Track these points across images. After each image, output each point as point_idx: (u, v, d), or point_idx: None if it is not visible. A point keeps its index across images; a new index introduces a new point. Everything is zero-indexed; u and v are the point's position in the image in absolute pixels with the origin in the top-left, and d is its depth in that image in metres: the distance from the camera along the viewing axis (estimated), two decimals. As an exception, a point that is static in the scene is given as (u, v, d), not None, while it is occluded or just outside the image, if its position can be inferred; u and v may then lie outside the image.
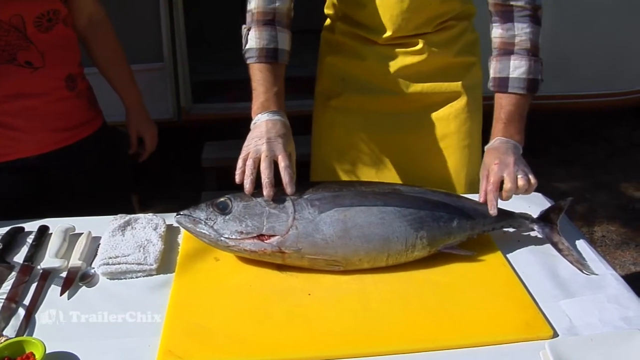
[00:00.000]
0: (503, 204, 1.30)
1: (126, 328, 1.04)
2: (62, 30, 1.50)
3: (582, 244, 1.30)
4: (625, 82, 3.81)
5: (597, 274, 1.18)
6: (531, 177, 1.27)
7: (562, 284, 1.16)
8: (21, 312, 1.08)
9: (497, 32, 1.36)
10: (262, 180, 1.18)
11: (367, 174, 1.61)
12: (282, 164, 1.20)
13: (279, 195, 1.18)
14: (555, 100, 3.69)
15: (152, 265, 1.18)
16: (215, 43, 4.17)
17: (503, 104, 1.35)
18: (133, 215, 1.32)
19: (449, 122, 1.57)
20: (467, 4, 1.53)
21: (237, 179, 1.21)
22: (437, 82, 1.53)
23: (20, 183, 1.56)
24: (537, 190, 1.49)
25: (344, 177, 1.62)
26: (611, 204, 3.44)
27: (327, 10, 1.63)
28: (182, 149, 3.44)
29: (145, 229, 1.27)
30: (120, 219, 1.30)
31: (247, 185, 1.19)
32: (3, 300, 1.09)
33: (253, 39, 1.33)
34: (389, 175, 1.60)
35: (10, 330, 1.03)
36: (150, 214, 1.34)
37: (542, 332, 1.02)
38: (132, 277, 1.18)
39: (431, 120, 1.56)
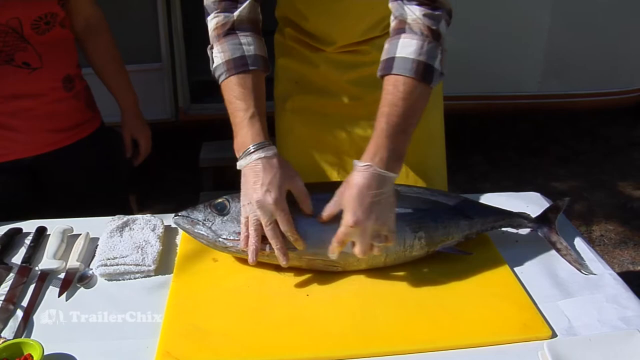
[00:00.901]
0: (502, 204, 1.30)
1: (124, 329, 1.04)
2: (59, 32, 1.50)
3: (580, 244, 1.30)
4: (623, 81, 3.81)
5: (595, 274, 1.19)
6: (388, 235, 1.10)
7: (560, 284, 1.16)
8: (19, 313, 1.07)
9: (392, 15, 1.19)
10: (274, 248, 1.12)
11: (331, 176, 1.57)
12: (283, 229, 1.11)
13: None
14: (553, 100, 3.69)
15: (150, 266, 1.18)
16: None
17: (387, 95, 1.12)
18: (131, 216, 1.32)
19: None
20: None
21: (242, 244, 1.14)
22: None
23: (18, 184, 1.56)
24: (535, 189, 1.50)
25: (310, 180, 1.57)
26: (609, 203, 3.44)
27: (277, 14, 1.55)
28: (180, 149, 3.44)
29: (144, 230, 1.27)
30: (118, 219, 1.30)
31: (250, 256, 1.12)
32: (1, 302, 1.09)
33: (217, 54, 1.21)
34: None
35: (8, 332, 1.03)
36: (148, 215, 1.34)
37: (541, 332, 1.02)
38: (130, 278, 1.17)
39: None
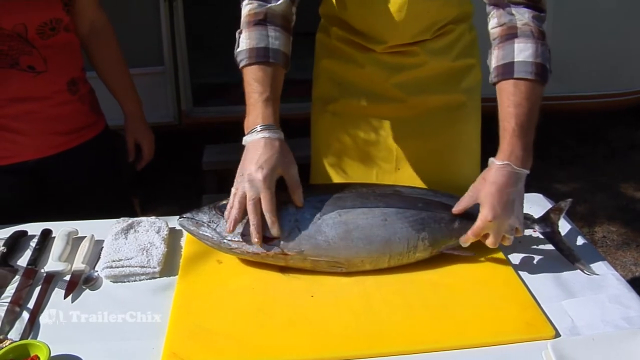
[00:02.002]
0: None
1: (130, 330, 1.05)
2: (64, 36, 1.51)
3: (583, 245, 1.30)
4: (625, 83, 3.82)
5: (598, 274, 1.19)
6: (519, 228, 1.16)
7: (563, 284, 1.16)
8: (25, 315, 1.08)
9: (494, 21, 1.22)
10: (251, 224, 1.14)
11: (367, 180, 1.58)
12: (263, 207, 1.13)
13: (281, 198, 1.19)
14: (555, 102, 3.70)
15: (155, 268, 1.19)
16: (216, 46, 4.17)
17: (510, 96, 1.16)
18: (136, 219, 1.33)
19: (449, 126, 1.54)
20: (465, 4, 1.48)
21: (225, 214, 1.17)
22: (438, 89, 1.50)
23: (22, 186, 1.57)
24: (537, 191, 1.50)
25: (348, 181, 1.59)
26: (611, 205, 3.44)
27: (322, 11, 1.56)
28: (183, 152, 3.45)
29: (148, 232, 1.28)
30: (123, 222, 1.31)
31: (227, 225, 1.14)
32: (7, 304, 1.10)
33: (243, 40, 1.24)
34: (389, 181, 1.56)
35: (14, 334, 1.04)
36: (153, 217, 1.35)
37: (544, 332, 1.03)
38: (135, 280, 1.18)
39: (431, 125, 1.53)
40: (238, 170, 1.17)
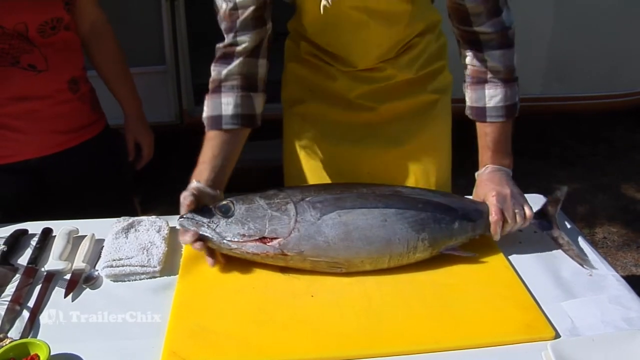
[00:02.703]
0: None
1: (130, 330, 1.05)
2: (65, 35, 1.51)
3: (583, 245, 1.30)
4: (626, 84, 3.81)
5: (596, 269, 1.20)
6: (527, 209, 1.26)
7: (563, 285, 1.16)
8: (25, 314, 1.08)
9: (467, 59, 1.34)
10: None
11: (339, 181, 1.56)
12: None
13: (280, 198, 1.19)
14: (556, 102, 3.69)
15: (156, 267, 1.19)
16: (217, 45, 4.17)
17: (486, 131, 1.34)
18: (136, 218, 1.33)
19: (419, 128, 1.54)
20: (431, 16, 1.49)
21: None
22: (407, 94, 1.51)
23: (23, 185, 1.57)
24: (537, 191, 1.50)
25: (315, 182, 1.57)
26: (612, 206, 3.44)
27: (291, 27, 1.57)
28: (184, 152, 3.44)
29: (149, 231, 1.28)
30: (123, 221, 1.31)
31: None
32: (7, 302, 1.10)
33: (204, 108, 1.34)
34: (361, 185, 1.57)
35: (14, 332, 1.04)
36: (154, 217, 1.35)
37: (544, 333, 1.03)
38: (135, 279, 1.18)
39: (401, 128, 1.53)
40: None
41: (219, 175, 1.28)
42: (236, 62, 1.30)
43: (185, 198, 1.21)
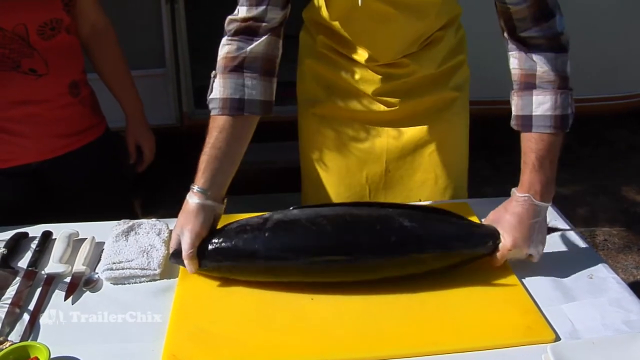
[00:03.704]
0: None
1: (129, 332, 1.05)
2: (65, 38, 1.51)
3: (582, 247, 1.30)
4: (627, 86, 3.80)
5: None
6: (534, 255, 1.20)
7: (563, 287, 1.16)
8: (26, 317, 1.08)
9: (514, 62, 1.20)
10: None
11: (356, 186, 1.56)
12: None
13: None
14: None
15: (156, 270, 1.19)
16: (217, 48, 4.17)
17: (531, 145, 1.19)
18: (136, 221, 1.33)
19: (438, 125, 1.52)
20: (454, 9, 1.45)
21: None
22: (428, 91, 1.49)
23: (24, 188, 1.57)
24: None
25: (333, 188, 1.57)
26: (613, 208, 3.43)
27: (307, 16, 1.51)
28: (184, 154, 3.44)
29: (149, 234, 1.28)
30: (123, 224, 1.31)
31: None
32: (7, 306, 1.10)
33: (217, 87, 1.18)
34: (380, 183, 1.56)
35: (14, 335, 1.04)
36: (154, 219, 1.35)
37: (544, 335, 1.03)
38: (135, 282, 1.18)
39: (421, 125, 1.52)
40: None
41: (226, 178, 1.21)
42: (263, 39, 1.17)
43: (191, 256, 1.14)
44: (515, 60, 1.20)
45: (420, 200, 1.54)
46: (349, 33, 1.41)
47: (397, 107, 1.48)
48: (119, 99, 1.75)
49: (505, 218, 1.19)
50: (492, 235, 1.19)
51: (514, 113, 1.22)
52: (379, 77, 1.45)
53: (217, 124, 1.18)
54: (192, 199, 1.17)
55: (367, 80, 1.46)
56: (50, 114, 1.51)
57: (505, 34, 1.21)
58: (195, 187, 1.18)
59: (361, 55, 1.44)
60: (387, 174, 1.55)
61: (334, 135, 1.54)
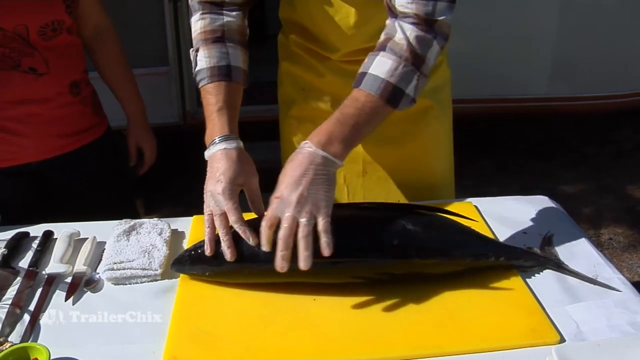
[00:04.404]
0: (510, 207, 1.26)
1: (130, 334, 1.04)
2: (66, 39, 1.50)
3: (588, 248, 1.28)
4: (632, 84, 3.79)
5: (620, 291, 1.14)
6: (321, 219, 1.03)
7: (568, 288, 1.14)
8: (26, 317, 1.07)
9: (384, 30, 1.17)
10: (221, 239, 1.09)
11: (337, 187, 1.55)
12: (230, 219, 1.09)
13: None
14: (561, 102, 3.68)
15: (157, 270, 1.18)
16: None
17: (345, 102, 1.11)
18: (138, 220, 1.32)
19: (417, 130, 1.50)
20: None
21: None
22: None
23: (25, 188, 1.57)
24: (542, 192, 1.49)
25: None
26: (618, 207, 3.42)
27: (281, 15, 1.50)
28: (188, 153, 3.44)
29: (150, 234, 1.27)
30: (125, 223, 1.30)
31: (205, 247, 1.11)
32: (8, 306, 1.09)
33: (202, 59, 1.21)
34: (357, 184, 1.55)
35: (15, 336, 1.03)
36: (155, 219, 1.34)
37: (549, 337, 1.01)
38: (136, 283, 1.17)
39: (398, 130, 1.49)
40: (204, 188, 1.16)
41: (236, 128, 1.19)
42: (235, 13, 1.24)
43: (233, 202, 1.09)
44: (386, 28, 1.16)
45: (399, 201, 1.52)
46: (311, 17, 1.39)
47: None
48: (121, 100, 1.75)
49: (283, 169, 1.08)
50: (496, 248, 1.19)
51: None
52: (349, 75, 1.42)
53: (210, 90, 1.20)
54: (215, 148, 1.15)
55: (336, 80, 1.45)
56: (50, 114, 1.51)
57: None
58: (216, 139, 1.16)
59: (328, 48, 1.42)
60: (365, 175, 1.53)
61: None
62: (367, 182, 1.54)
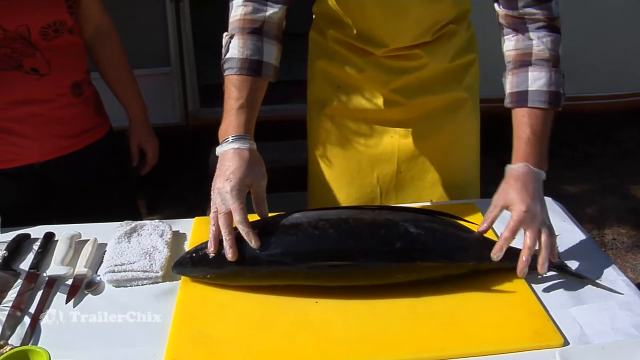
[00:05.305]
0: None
1: (131, 336, 1.04)
2: (68, 39, 1.50)
3: (592, 249, 1.28)
4: (635, 83, 3.78)
5: (622, 293, 1.13)
6: (551, 231, 1.14)
7: (572, 291, 1.14)
8: (27, 320, 1.07)
9: (510, 44, 1.25)
10: (224, 238, 1.10)
11: (367, 187, 1.55)
12: (235, 219, 1.09)
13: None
14: (564, 102, 3.67)
15: (158, 272, 1.18)
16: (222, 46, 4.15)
17: (525, 121, 1.21)
18: (139, 222, 1.32)
19: (449, 125, 1.52)
20: (464, 3, 1.45)
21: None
22: (439, 89, 1.48)
23: (26, 189, 1.57)
24: (546, 191, 1.47)
25: (342, 191, 1.55)
26: (621, 207, 3.41)
27: (317, 10, 1.51)
28: (190, 153, 3.45)
29: (151, 236, 1.27)
30: (126, 225, 1.30)
31: (209, 244, 1.11)
32: (8, 308, 1.09)
33: (235, 47, 1.20)
34: (391, 183, 1.55)
35: (15, 339, 1.03)
36: (157, 221, 1.34)
37: (553, 340, 1.01)
38: (137, 285, 1.17)
39: (432, 125, 1.51)
40: (213, 182, 1.16)
41: (253, 127, 1.20)
42: (279, 6, 1.22)
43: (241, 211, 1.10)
44: (511, 43, 1.25)
45: (431, 201, 1.52)
46: (361, 15, 1.39)
47: (408, 105, 1.47)
48: (123, 101, 1.74)
49: (510, 188, 1.17)
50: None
51: (508, 91, 1.24)
52: (391, 70, 1.44)
53: (234, 82, 1.19)
54: (228, 146, 1.15)
55: (377, 76, 1.45)
56: (52, 114, 1.50)
57: (502, 17, 1.25)
58: (230, 137, 1.16)
59: (374, 44, 1.42)
60: (399, 174, 1.54)
61: (345, 136, 1.53)
62: (400, 182, 1.55)
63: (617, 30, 3.56)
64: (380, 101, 1.48)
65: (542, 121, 1.21)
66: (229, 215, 1.10)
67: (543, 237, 1.13)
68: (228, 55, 1.21)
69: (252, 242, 1.08)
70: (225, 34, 1.23)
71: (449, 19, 1.41)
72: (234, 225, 1.10)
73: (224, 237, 1.09)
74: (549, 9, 1.22)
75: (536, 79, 1.21)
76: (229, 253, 1.08)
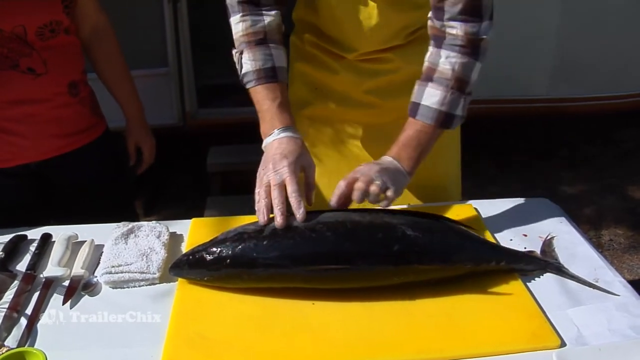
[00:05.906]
0: (510, 210, 1.26)
1: (128, 338, 1.04)
2: (64, 39, 1.50)
3: (589, 251, 1.28)
4: (634, 84, 3.78)
5: (618, 295, 1.13)
6: (390, 191, 1.17)
7: (569, 292, 1.14)
8: (23, 321, 1.07)
9: (427, 55, 1.27)
10: (275, 208, 1.14)
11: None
12: (288, 189, 1.15)
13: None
14: (563, 103, 3.67)
15: (155, 274, 1.17)
16: (220, 47, 4.14)
17: (406, 128, 1.26)
18: (136, 223, 1.31)
19: None
20: None
21: (257, 215, 1.16)
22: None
23: (23, 189, 1.57)
24: (544, 192, 1.48)
25: (325, 190, 1.54)
26: (619, 207, 3.41)
27: (295, 16, 1.54)
28: (187, 154, 3.44)
29: (149, 237, 1.26)
30: (123, 226, 1.29)
31: (259, 216, 1.15)
32: (5, 310, 1.09)
33: (248, 61, 1.27)
34: None
35: (11, 340, 1.02)
36: (154, 222, 1.33)
37: (550, 341, 1.01)
38: (134, 286, 1.17)
39: None
40: (259, 169, 1.20)
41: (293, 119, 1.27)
42: (273, 12, 1.29)
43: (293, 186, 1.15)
44: (427, 54, 1.27)
45: (409, 204, 1.52)
46: (330, 19, 1.41)
47: (384, 107, 1.48)
48: (119, 100, 1.74)
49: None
50: (497, 252, 1.19)
51: (411, 100, 1.28)
52: (364, 73, 1.46)
53: (260, 92, 1.26)
54: (282, 134, 1.22)
55: (350, 78, 1.47)
56: (49, 114, 1.50)
57: (429, 27, 1.27)
58: (277, 130, 1.22)
59: (344, 48, 1.44)
60: None
61: (325, 136, 1.54)
62: None
63: (617, 30, 3.56)
64: (354, 103, 1.50)
65: (420, 132, 1.25)
66: (282, 186, 1.15)
67: (372, 187, 1.16)
68: (244, 70, 1.28)
69: (299, 215, 1.13)
70: (234, 51, 1.30)
71: (420, 23, 1.41)
72: (285, 197, 1.15)
73: (274, 207, 1.14)
74: (476, 27, 1.21)
75: (430, 96, 1.24)
76: (280, 220, 1.12)
